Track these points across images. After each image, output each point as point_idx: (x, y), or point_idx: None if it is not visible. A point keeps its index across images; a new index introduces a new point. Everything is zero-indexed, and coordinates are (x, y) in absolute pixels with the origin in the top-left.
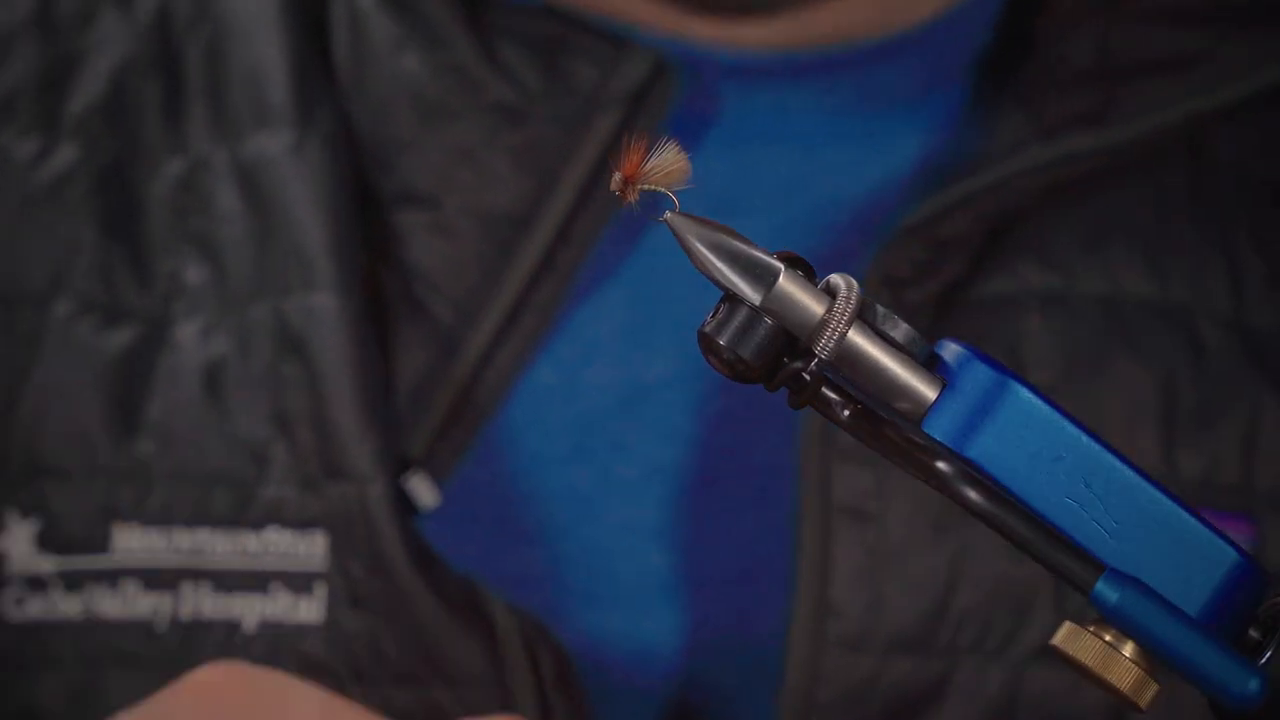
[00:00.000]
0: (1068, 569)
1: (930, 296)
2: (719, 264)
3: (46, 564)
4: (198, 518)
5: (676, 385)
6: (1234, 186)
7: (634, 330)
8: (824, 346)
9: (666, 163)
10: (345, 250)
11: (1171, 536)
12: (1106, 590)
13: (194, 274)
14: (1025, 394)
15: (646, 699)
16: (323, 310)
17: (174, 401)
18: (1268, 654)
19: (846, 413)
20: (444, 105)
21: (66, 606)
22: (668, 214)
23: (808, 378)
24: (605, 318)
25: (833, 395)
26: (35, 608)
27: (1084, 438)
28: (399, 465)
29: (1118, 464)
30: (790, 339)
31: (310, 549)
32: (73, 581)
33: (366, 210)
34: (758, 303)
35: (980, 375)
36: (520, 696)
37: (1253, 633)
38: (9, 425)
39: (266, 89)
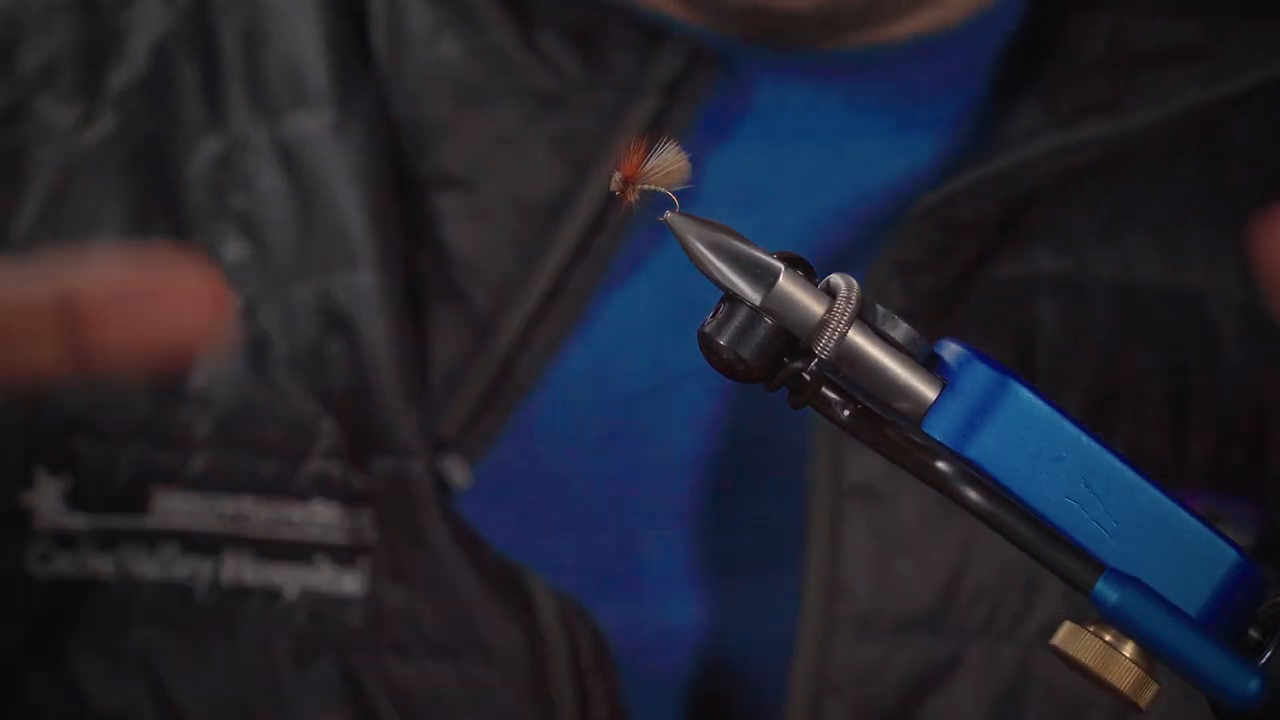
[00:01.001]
0: (1067, 569)
1: (943, 281)
2: (718, 264)
3: (78, 521)
4: (242, 485)
5: (706, 373)
6: (1248, 174)
7: (666, 318)
8: (824, 346)
9: (667, 163)
10: (385, 230)
11: (1171, 536)
12: (1106, 590)
13: (234, 251)
14: (1025, 394)
15: (672, 683)
16: (366, 288)
17: (219, 373)
18: (1268, 654)
19: (846, 413)
20: (482, 90)
21: (98, 564)
22: (667, 214)
23: (807, 378)
24: (638, 305)
25: (833, 395)
26: (63, 564)
27: (1084, 438)
28: (434, 445)
29: (1118, 464)
30: (790, 339)
31: (355, 523)
32: (106, 540)
33: (404, 193)
34: (758, 303)
35: (980, 375)
36: (557, 676)
37: (1253, 633)
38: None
39: (305, 71)
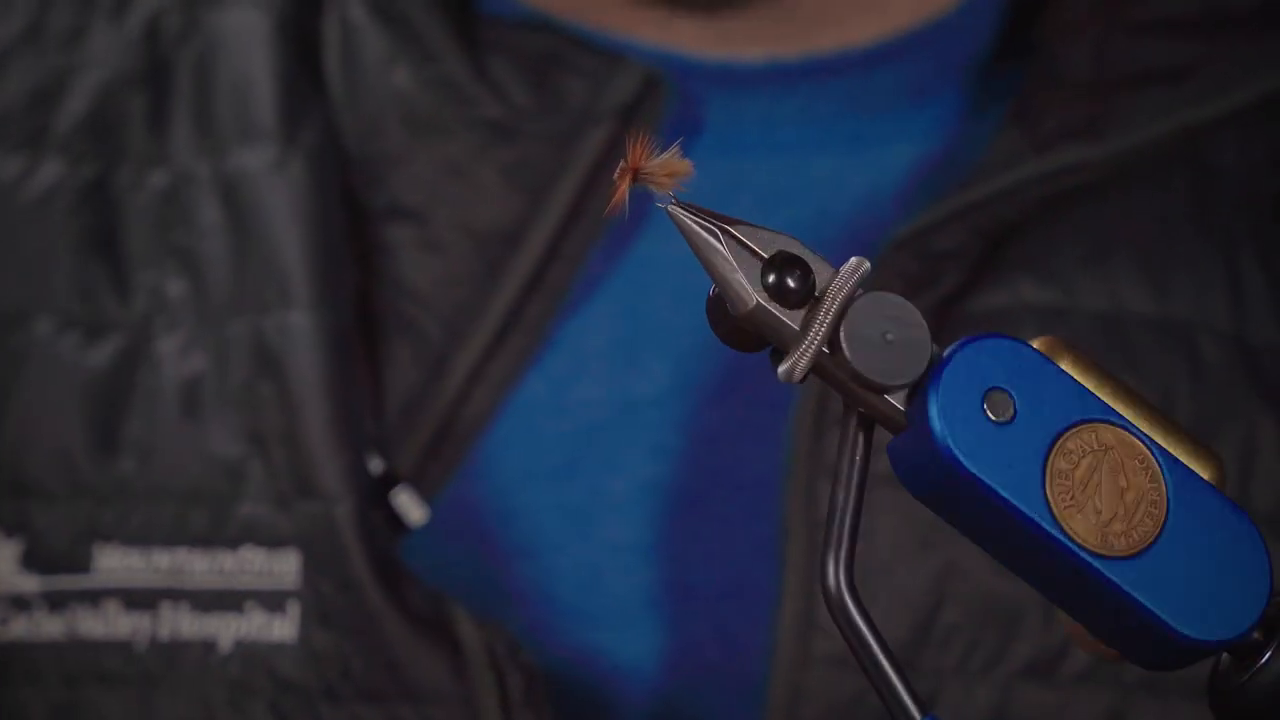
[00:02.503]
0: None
1: (926, 310)
2: (715, 256)
3: (30, 584)
4: (176, 537)
5: (665, 401)
6: (1236, 200)
7: (623, 346)
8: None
9: (667, 164)
10: (325, 268)
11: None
12: None
13: (174, 288)
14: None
15: (631, 716)
16: (298, 329)
17: (153, 418)
18: (1267, 654)
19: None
20: (434, 120)
21: (49, 626)
22: (672, 203)
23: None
24: (595, 333)
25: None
26: (19, 627)
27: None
28: (388, 482)
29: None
30: None
31: (283, 567)
32: (56, 601)
33: (356, 225)
34: (752, 305)
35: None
36: (486, 715)
37: (1255, 634)
38: None
39: (252, 104)
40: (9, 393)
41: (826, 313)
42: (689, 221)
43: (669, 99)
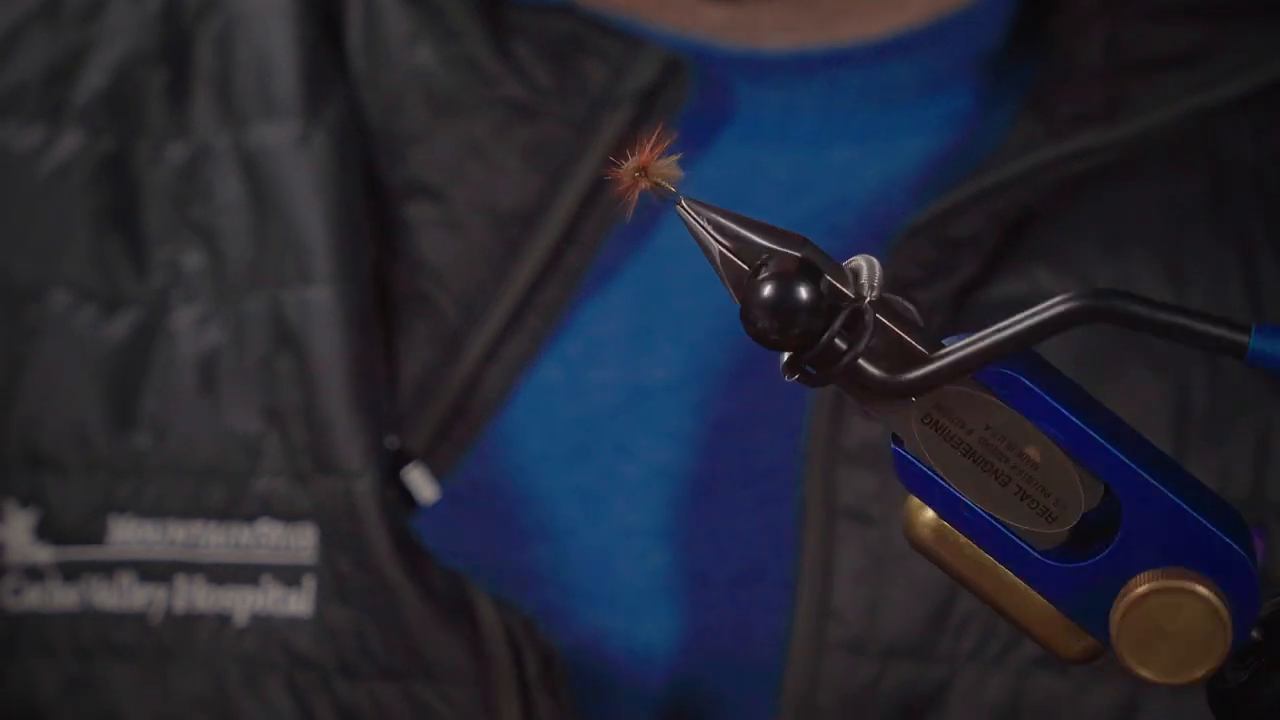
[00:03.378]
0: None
1: (942, 297)
2: (719, 257)
3: (44, 554)
4: (192, 510)
5: (680, 387)
6: (1253, 192)
7: (639, 331)
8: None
9: (667, 165)
10: (346, 244)
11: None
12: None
13: (192, 261)
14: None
15: (644, 700)
16: (318, 304)
17: (170, 393)
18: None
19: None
20: (455, 99)
21: (63, 597)
22: (680, 200)
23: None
24: (611, 318)
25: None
26: (33, 598)
27: (1087, 430)
28: (399, 459)
29: (1125, 461)
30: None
31: (300, 542)
32: (70, 572)
33: (375, 202)
34: None
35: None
36: (503, 694)
37: (1254, 633)
38: (9, 417)
39: (274, 79)
40: (25, 366)
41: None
42: (696, 223)
43: (690, 85)
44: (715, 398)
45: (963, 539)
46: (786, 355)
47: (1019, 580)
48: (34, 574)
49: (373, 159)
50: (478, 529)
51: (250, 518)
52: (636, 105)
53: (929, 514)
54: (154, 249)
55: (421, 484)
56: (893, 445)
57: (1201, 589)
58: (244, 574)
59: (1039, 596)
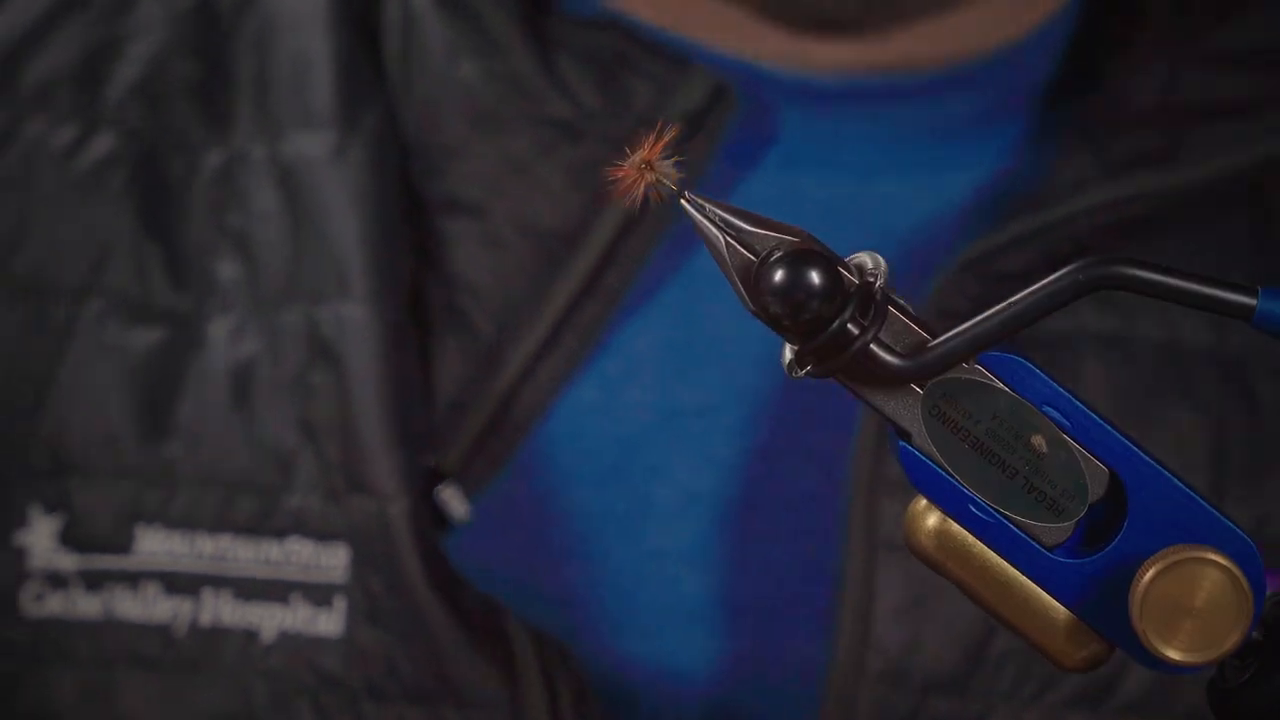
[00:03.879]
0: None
1: None
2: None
3: (68, 561)
4: (221, 524)
5: (716, 411)
6: None
7: (676, 354)
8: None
9: (667, 165)
10: (382, 259)
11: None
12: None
13: (227, 271)
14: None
15: None
16: (355, 320)
17: (202, 403)
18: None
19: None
20: (497, 115)
21: (86, 605)
22: (685, 194)
23: (854, 330)
24: (648, 340)
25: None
26: (54, 604)
27: (1093, 416)
28: (432, 477)
29: (1130, 446)
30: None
31: (331, 561)
32: (94, 580)
33: (412, 216)
34: (752, 308)
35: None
36: None
37: (1254, 634)
38: (35, 420)
39: (311, 87)
40: (53, 368)
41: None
42: (700, 216)
43: (736, 110)
44: (752, 423)
45: (967, 544)
46: (792, 351)
47: (1022, 587)
48: (57, 581)
49: (409, 172)
50: (508, 548)
51: (281, 534)
52: (682, 127)
53: (931, 520)
54: (188, 255)
55: (454, 502)
56: (899, 442)
57: (1218, 556)
58: (273, 591)
59: (1042, 604)
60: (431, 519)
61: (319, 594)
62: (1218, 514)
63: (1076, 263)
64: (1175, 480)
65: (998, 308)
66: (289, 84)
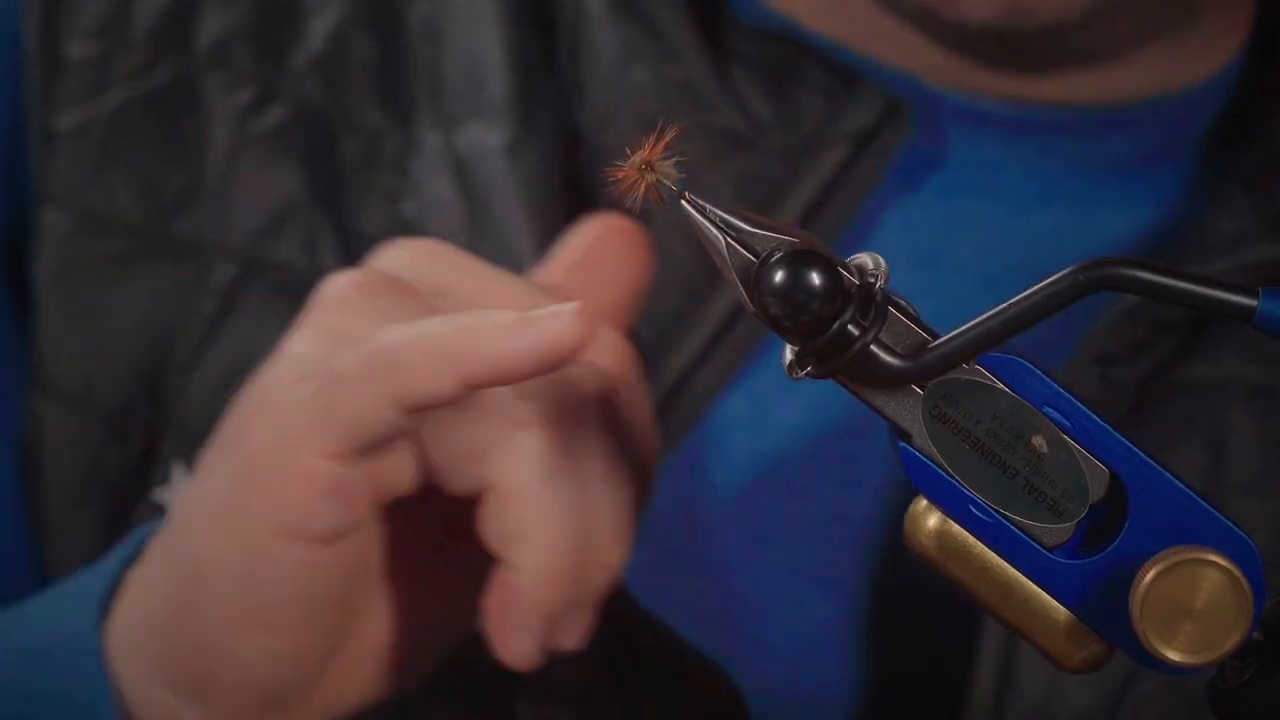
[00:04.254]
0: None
1: (1139, 375)
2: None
3: None
4: None
5: (864, 432)
6: None
7: None
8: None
9: (669, 166)
10: None
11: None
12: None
13: None
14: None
15: None
16: None
17: None
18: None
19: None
20: (668, 122)
21: None
22: (685, 194)
23: (855, 331)
24: None
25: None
26: None
27: (1093, 417)
28: None
29: (1130, 447)
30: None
31: None
32: None
33: (579, 214)
34: (751, 309)
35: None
36: None
37: (1254, 634)
38: (190, 378)
39: (486, 79)
40: (213, 330)
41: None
42: (700, 217)
43: (909, 130)
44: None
45: (967, 544)
46: (793, 352)
47: (1023, 588)
48: None
49: (578, 170)
50: (648, 554)
51: None
52: (852, 145)
53: (931, 521)
54: (362, 240)
55: None
56: (899, 443)
57: (1218, 558)
58: None
59: (1043, 604)
60: None
61: None
62: (1218, 515)
63: (1075, 265)
64: (1176, 481)
65: (998, 308)
66: (463, 74)
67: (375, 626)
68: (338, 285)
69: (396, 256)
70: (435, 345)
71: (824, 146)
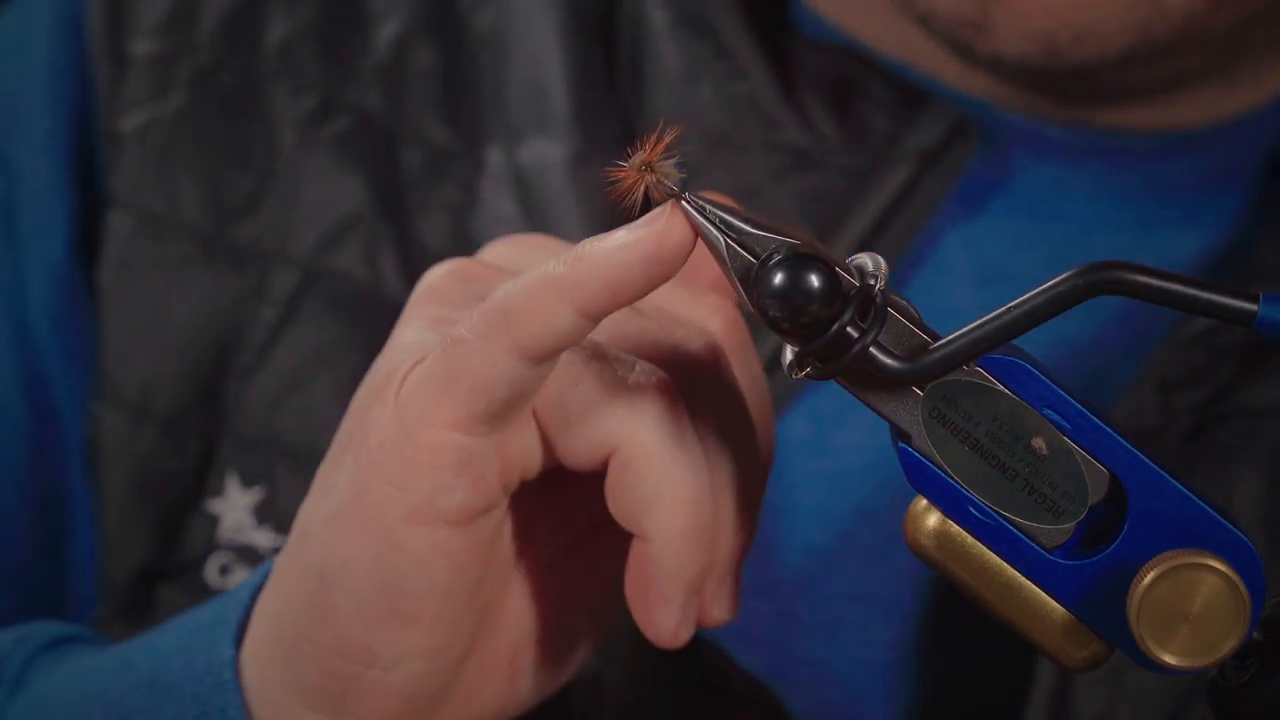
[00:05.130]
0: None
1: (1198, 401)
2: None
3: (263, 538)
4: None
5: None
6: None
7: None
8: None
9: (669, 167)
10: None
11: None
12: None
13: None
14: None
15: None
16: None
17: None
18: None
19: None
20: (733, 137)
21: None
22: (685, 195)
23: (854, 333)
24: None
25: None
26: (241, 579)
27: (1094, 419)
28: None
29: (1130, 449)
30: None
31: None
32: None
33: None
34: (750, 309)
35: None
36: None
37: (1254, 634)
38: (247, 387)
39: (548, 92)
40: (273, 338)
41: (875, 317)
42: (700, 218)
43: (972, 150)
44: None
45: (967, 544)
46: (793, 352)
47: (1023, 587)
48: (248, 555)
49: None
50: None
51: None
52: (917, 164)
53: (931, 521)
54: (423, 253)
55: None
56: (899, 444)
57: (1216, 562)
58: None
59: (1043, 603)
60: None
61: None
62: (1219, 517)
63: (1075, 270)
64: (1176, 484)
65: (998, 311)
66: (526, 87)
67: (510, 627)
68: (438, 273)
69: (500, 248)
70: (545, 284)
71: (889, 165)
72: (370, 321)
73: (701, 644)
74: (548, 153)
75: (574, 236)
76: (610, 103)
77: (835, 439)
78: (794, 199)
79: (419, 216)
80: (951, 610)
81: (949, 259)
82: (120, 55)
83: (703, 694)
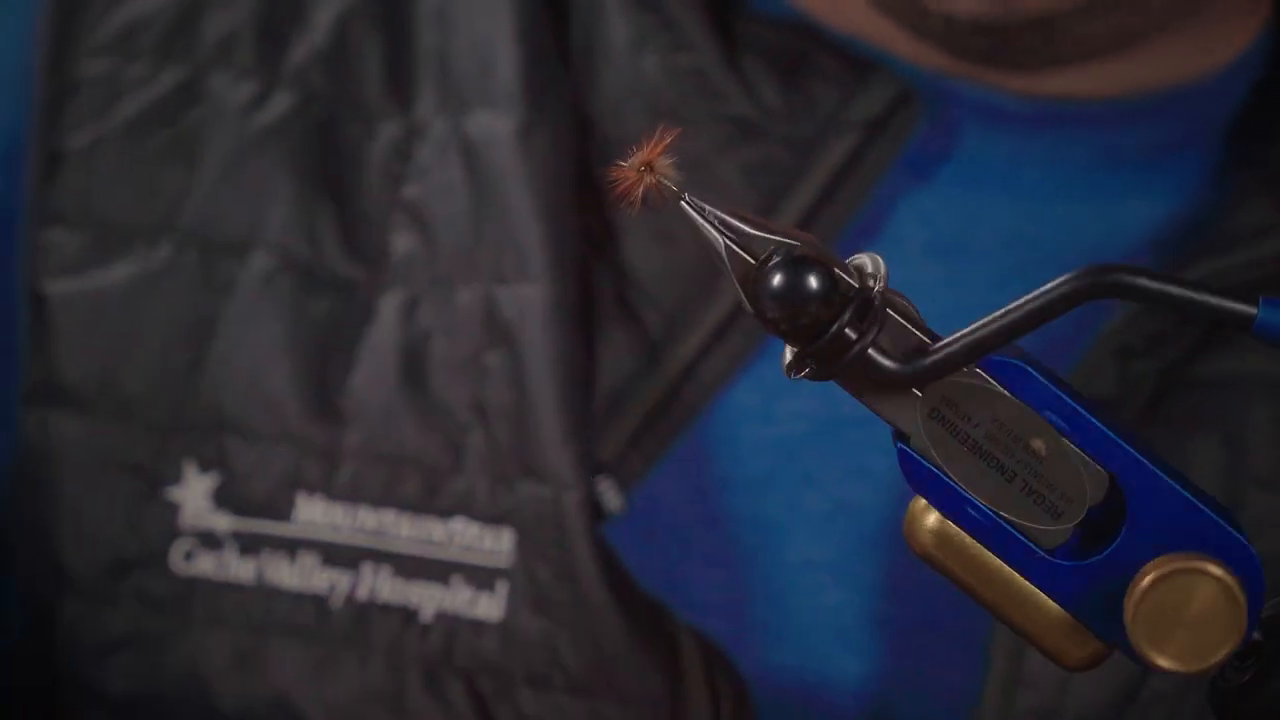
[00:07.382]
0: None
1: (1157, 369)
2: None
3: (222, 522)
4: (385, 499)
5: (872, 422)
6: None
7: None
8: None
9: (669, 166)
10: (563, 244)
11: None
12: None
13: (403, 245)
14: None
15: None
16: (534, 304)
17: (371, 377)
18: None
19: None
20: (679, 111)
21: (238, 569)
22: (685, 196)
23: (853, 336)
24: None
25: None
26: (205, 565)
27: (1093, 420)
28: (591, 474)
29: (1130, 450)
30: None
31: (496, 544)
32: (249, 544)
33: (587, 202)
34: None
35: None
36: None
37: (1255, 634)
38: (197, 373)
39: (494, 65)
40: (218, 322)
41: (874, 319)
42: (700, 218)
43: (919, 119)
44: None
45: (966, 543)
46: (792, 352)
47: (1022, 586)
48: (209, 540)
49: (588, 158)
50: (656, 546)
51: (446, 514)
52: (862, 133)
53: (931, 519)
54: (365, 226)
55: (609, 495)
56: (897, 444)
57: (1214, 568)
58: (434, 570)
59: (1042, 603)
60: (595, 513)
61: (481, 577)
62: (1218, 520)
63: (1073, 273)
64: (1175, 485)
65: (997, 313)
66: (473, 60)
67: None
68: None
69: None
70: None
71: (834, 134)
72: (311, 293)
73: (655, 610)
74: (495, 124)
75: (521, 206)
76: (559, 75)
77: (782, 407)
78: (739, 170)
79: (356, 187)
80: (905, 575)
81: (902, 231)
82: (66, 79)
83: (656, 660)
